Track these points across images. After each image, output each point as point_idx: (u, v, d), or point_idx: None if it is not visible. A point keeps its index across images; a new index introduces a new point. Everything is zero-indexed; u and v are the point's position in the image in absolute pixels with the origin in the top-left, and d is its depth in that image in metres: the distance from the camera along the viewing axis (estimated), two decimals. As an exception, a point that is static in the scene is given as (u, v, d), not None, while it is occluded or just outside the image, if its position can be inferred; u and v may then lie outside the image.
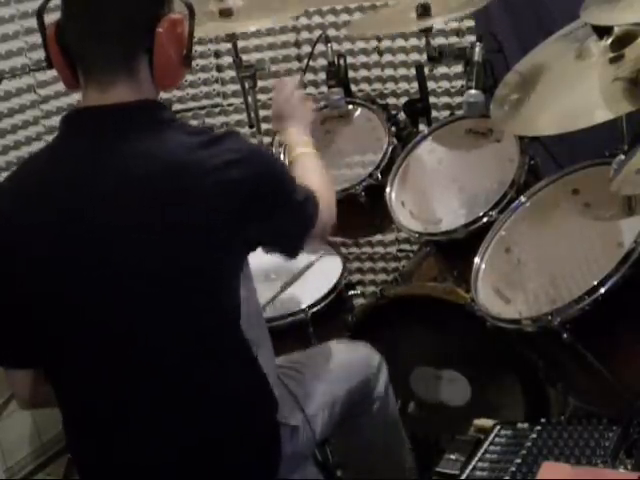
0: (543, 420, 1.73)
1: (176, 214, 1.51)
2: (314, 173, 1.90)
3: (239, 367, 1.66)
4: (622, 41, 1.90)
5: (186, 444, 1.60)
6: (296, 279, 2.48)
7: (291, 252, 1.78)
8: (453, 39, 2.94)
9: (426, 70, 2.83)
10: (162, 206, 1.51)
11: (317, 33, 3.03)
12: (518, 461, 1.60)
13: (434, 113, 2.93)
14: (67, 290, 1.55)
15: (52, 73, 2.77)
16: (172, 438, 1.60)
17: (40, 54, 2.75)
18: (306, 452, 1.85)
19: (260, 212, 1.59)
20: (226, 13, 2.58)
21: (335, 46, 2.94)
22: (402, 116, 2.79)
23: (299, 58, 3.25)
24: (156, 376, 1.58)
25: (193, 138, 1.55)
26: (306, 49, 3.19)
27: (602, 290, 1.75)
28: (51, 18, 1.62)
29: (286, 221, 1.67)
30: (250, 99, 2.85)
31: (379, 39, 3.09)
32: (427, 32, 2.53)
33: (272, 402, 1.72)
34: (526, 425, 1.73)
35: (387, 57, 3.12)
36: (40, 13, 1.64)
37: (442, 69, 3.00)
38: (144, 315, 1.55)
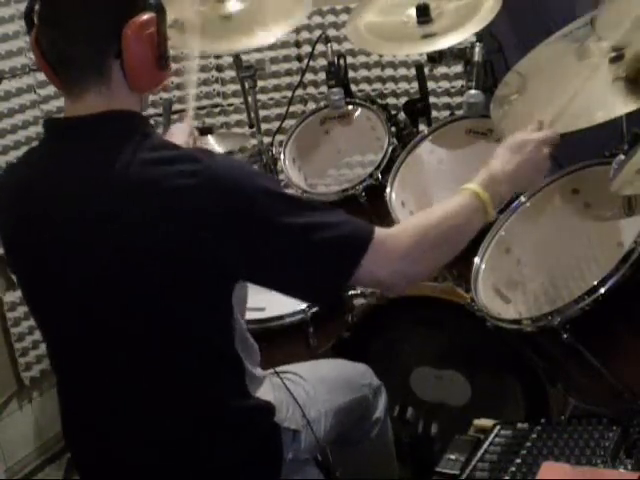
0: (543, 420, 1.73)
1: (124, 235, 1.48)
2: (444, 211, 1.60)
3: (229, 372, 1.65)
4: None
5: (183, 443, 1.60)
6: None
7: (308, 294, 1.60)
8: (453, 39, 2.94)
9: (426, 70, 2.84)
10: (108, 227, 1.49)
11: (317, 33, 3.04)
12: (518, 461, 1.60)
13: (434, 113, 2.93)
14: (47, 291, 1.61)
15: (52, 73, 2.80)
16: (169, 437, 1.61)
17: (40, 54, 2.76)
18: (308, 456, 1.85)
19: (232, 243, 1.47)
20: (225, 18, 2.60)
21: (335, 46, 2.95)
22: (402, 116, 2.79)
23: (299, 58, 3.25)
24: (145, 377, 1.58)
25: (154, 153, 1.49)
26: (306, 49, 3.19)
27: (602, 290, 1.74)
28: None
29: (279, 254, 1.49)
30: (250, 99, 2.86)
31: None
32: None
33: (264, 407, 1.70)
34: (526, 425, 1.73)
35: (387, 57, 3.12)
36: (28, 14, 1.59)
37: (442, 69, 3.00)
38: (121, 319, 1.55)
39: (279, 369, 1.86)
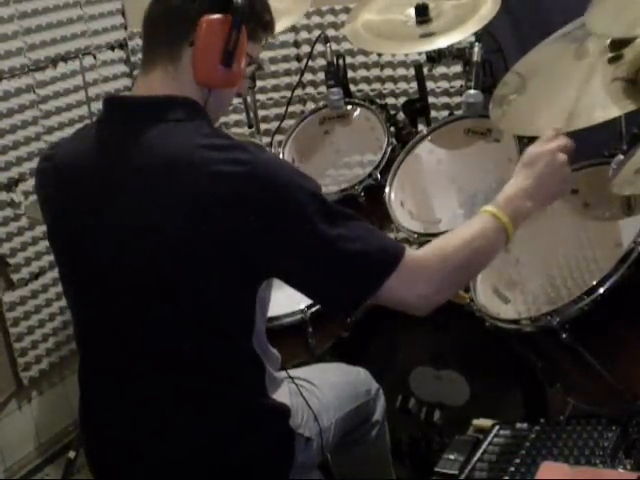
0: (542, 420, 1.73)
1: (169, 215, 1.51)
2: (466, 233, 1.60)
3: (251, 369, 1.66)
4: (621, 41, 1.90)
5: (200, 437, 1.61)
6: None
7: (327, 303, 1.65)
8: (452, 39, 2.94)
9: (425, 70, 2.84)
10: (156, 205, 1.52)
11: (316, 33, 3.03)
12: (517, 461, 1.60)
13: (433, 113, 2.93)
14: (87, 273, 1.64)
15: (51, 73, 2.81)
16: (187, 430, 1.62)
17: (39, 54, 2.75)
18: (314, 462, 1.86)
19: (265, 235, 1.49)
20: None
21: (334, 46, 2.95)
22: (401, 116, 2.79)
23: (298, 58, 3.25)
24: (171, 369, 1.60)
25: (208, 139, 1.53)
26: (305, 49, 3.19)
27: (601, 290, 1.74)
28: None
29: (307, 256, 1.50)
30: (249, 99, 2.86)
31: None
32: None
33: (280, 409, 1.72)
34: (525, 425, 1.73)
35: (386, 57, 3.12)
36: None
37: (441, 69, 3.00)
38: (152, 307, 1.57)
39: (290, 374, 1.86)
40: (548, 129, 1.75)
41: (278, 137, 2.99)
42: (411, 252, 1.54)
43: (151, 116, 1.57)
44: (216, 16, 1.56)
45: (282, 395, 1.75)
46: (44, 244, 2.80)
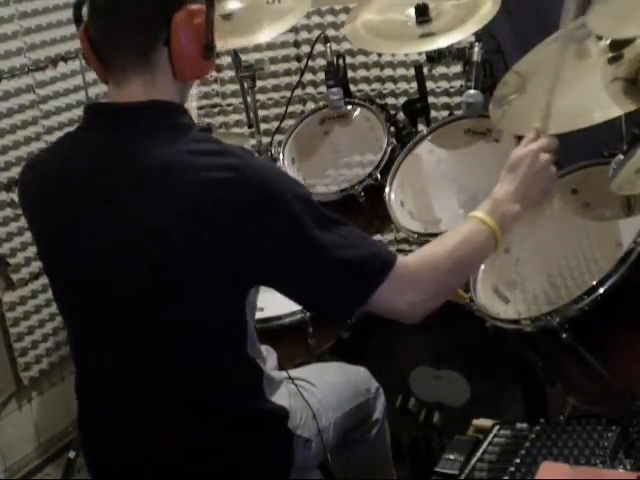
0: (542, 420, 1.73)
1: (158, 221, 1.48)
2: (454, 239, 1.61)
3: (247, 373, 1.66)
4: (621, 41, 1.90)
5: (198, 442, 1.61)
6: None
7: (318, 310, 1.66)
8: (452, 39, 2.94)
9: (425, 70, 2.84)
10: (145, 211, 1.50)
11: (316, 33, 3.03)
12: (517, 461, 1.60)
13: (433, 113, 2.94)
14: (72, 282, 1.63)
15: (51, 73, 2.81)
16: (185, 435, 1.61)
17: (39, 54, 2.75)
18: (314, 463, 1.86)
19: (258, 241, 1.48)
20: (226, 17, 2.60)
21: (334, 46, 2.95)
22: (401, 116, 2.80)
23: (298, 58, 3.25)
24: (165, 375, 1.59)
25: (197, 145, 1.51)
26: (305, 49, 3.19)
27: (601, 290, 1.74)
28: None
29: (300, 263, 1.50)
30: (249, 99, 2.86)
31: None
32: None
33: (278, 411, 1.71)
34: (525, 425, 1.73)
35: (386, 57, 3.12)
36: (78, 7, 1.63)
37: (441, 69, 3.00)
38: (142, 310, 1.56)
39: (291, 374, 1.86)
40: (529, 131, 1.76)
41: (278, 137, 3.00)
42: (402, 259, 1.54)
43: (137, 122, 1.55)
44: (188, 10, 1.52)
45: (281, 397, 1.75)
46: (44, 244, 2.79)
